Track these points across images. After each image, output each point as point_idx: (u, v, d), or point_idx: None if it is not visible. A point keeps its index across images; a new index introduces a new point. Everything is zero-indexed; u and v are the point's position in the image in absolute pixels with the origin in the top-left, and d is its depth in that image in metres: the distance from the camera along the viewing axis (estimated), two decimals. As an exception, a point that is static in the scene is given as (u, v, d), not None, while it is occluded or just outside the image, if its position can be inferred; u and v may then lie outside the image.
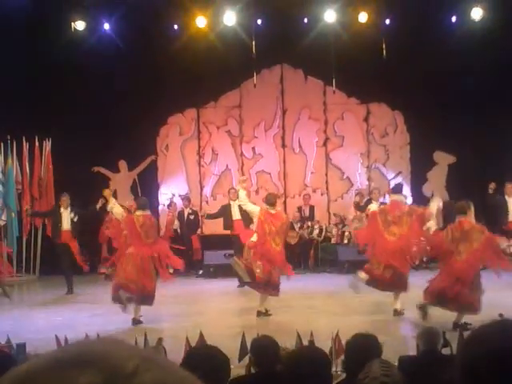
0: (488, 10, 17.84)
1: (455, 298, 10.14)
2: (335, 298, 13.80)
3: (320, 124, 20.23)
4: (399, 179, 19.58)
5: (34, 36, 17.40)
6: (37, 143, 18.30)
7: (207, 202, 20.05)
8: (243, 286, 14.77)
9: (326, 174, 20.20)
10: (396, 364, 5.32)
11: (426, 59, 17.97)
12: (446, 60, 17.79)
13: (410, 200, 16.58)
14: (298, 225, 18.59)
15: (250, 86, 19.95)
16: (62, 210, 15.74)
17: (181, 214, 18.39)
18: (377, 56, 18.38)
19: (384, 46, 18.53)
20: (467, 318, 9.92)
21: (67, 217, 15.70)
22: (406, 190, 18.89)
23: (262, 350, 5.41)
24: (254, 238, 12.12)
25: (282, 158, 20.22)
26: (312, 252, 18.43)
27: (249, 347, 6.16)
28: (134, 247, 11.61)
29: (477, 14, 17.99)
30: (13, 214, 17.73)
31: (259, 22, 18.67)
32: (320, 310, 12.70)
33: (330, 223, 19.44)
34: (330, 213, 19.84)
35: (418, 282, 10.98)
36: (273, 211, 12.24)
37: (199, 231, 19.15)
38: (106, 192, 12.72)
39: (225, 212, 16.96)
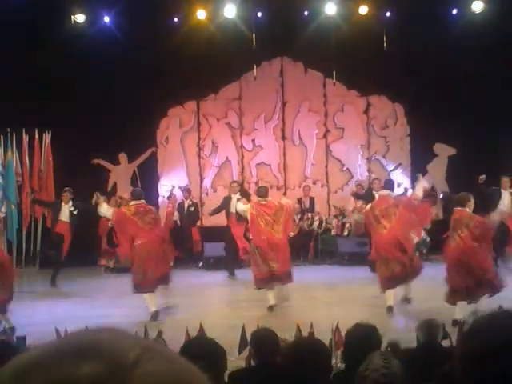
0: (488, 3, 17.82)
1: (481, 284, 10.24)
2: (335, 289, 13.83)
3: (320, 116, 20.23)
4: (399, 171, 19.62)
5: (34, 28, 17.37)
6: (36, 135, 18.30)
7: (207, 194, 20.07)
8: (233, 276, 15.54)
9: (326, 166, 20.20)
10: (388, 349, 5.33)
11: (427, 52, 17.96)
12: (446, 52, 17.79)
13: (410, 192, 16.52)
14: (298, 216, 18.59)
15: (250, 79, 19.95)
16: (62, 204, 15.79)
17: (181, 205, 18.38)
18: (377, 48, 18.37)
19: (385, 39, 18.52)
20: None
21: (67, 210, 15.74)
22: (406, 182, 18.94)
23: (262, 342, 5.43)
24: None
25: (282, 150, 20.22)
26: (312, 244, 18.43)
27: (249, 339, 6.17)
28: (139, 238, 11.64)
29: (477, 6, 17.97)
30: (12, 207, 17.73)
31: (259, 14, 18.66)
32: (320, 301, 12.72)
33: (329, 215, 19.47)
34: (330, 204, 19.86)
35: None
36: (263, 202, 12.25)
37: (199, 223, 19.15)
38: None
39: (225, 204, 17.01)
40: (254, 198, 12.76)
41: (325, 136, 20.24)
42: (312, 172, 20.18)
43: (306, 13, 18.62)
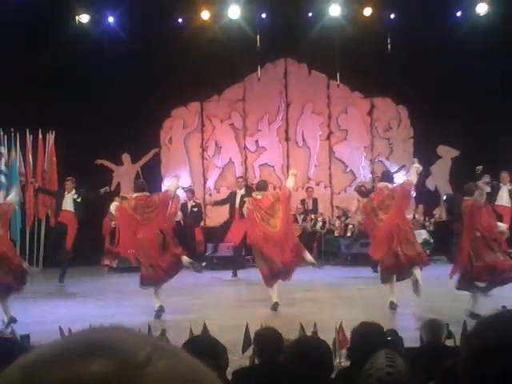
0: (493, 5, 17.82)
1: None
2: (338, 290, 13.83)
3: (324, 118, 20.25)
4: (402, 173, 19.61)
5: (38, 28, 17.40)
6: (40, 135, 18.33)
7: (210, 195, 20.08)
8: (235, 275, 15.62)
9: (330, 168, 20.24)
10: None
11: (431, 54, 17.97)
12: (450, 55, 17.80)
13: (413, 193, 16.52)
14: (302, 217, 18.61)
15: (253, 80, 19.97)
16: (65, 193, 15.79)
17: (184, 206, 18.39)
18: (381, 50, 18.40)
19: (389, 41, 18.54)
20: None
21: (70, 199, 15.70)
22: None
23: (266, 341, 5.43)
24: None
25: (286, 151, 20.24)
26: (315, 244, 18.44)
27: (252, 338, 6.18)
28: (139, 233, 11.63)
29: (482, 8, 17.97)
30: (16, 206, 17.72)
31: (263, 15, 18.69)
32: (323, 302, 12.74)
33: (333, 216, 19.48)
34: (333, 206, 19.88)
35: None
36: (259, 196, 12.15)
37: (202, 223, 19.18)
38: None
39: (231, 199, 17.08)
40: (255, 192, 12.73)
41: (328, 137, 20.27)
42: (315, 173, 20.20)
43: (310, 14, 18.65)
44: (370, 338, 4.62)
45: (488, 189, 11.39)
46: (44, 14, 17.33)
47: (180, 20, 18.62)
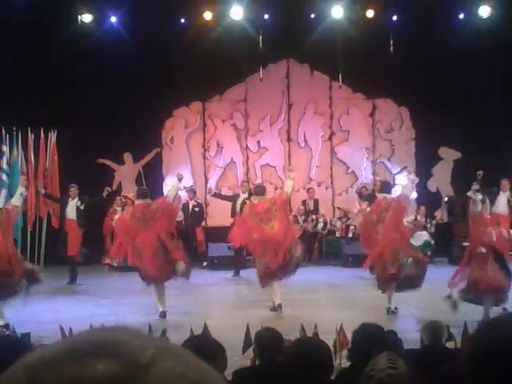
0: (496, 8, 17.81)
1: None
2: (339, 291, 13.83)
3: (325, 118, 20.25)
4: (404, 174, 19.60)
5: (40, 28, 17.41)
6: (42, 134, 18.31)
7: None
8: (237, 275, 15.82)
9: (331, 168, 20.23)
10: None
11: (433, 56, 17.96)
12: (452, 57, 17.79)
13: (414, 195, 16.54)
14: (303, 218, 18.62)
15: (256, 80, 19.95)
16: (69, 200, 15.84)
17: (185, 206, 18.38)
18: (383, 52, 18.38)
19: (391, 42, 18.53)
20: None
21: (73, 206, 15.77)
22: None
23: (266, 341, 5.44)
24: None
25: (287, 151, 20.24)
26: (316, 245, 18.47)
27: (253, 339, 6.18)
28: (139, 237, 11.63)
29: (484, 11, 17.95)
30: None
31: (266, 16, 18.67)
32: (324, 303, 12.73)
33: (334, 217, 19.49)
34: (334, 207, 19.89)
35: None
36: (256, 201, 12.23)
37: (204, 223, 19.18)
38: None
39: (232, 200, 17.09)
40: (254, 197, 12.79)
41: (330, 138, 20.26)
42: (317, 174, 20.20)
43: (312, 16, 18.64)
44: (370, 339, 4.63)
45: (479, 196, 11.33)
46: (46, 15, 17.33)
47: (182, 20, 18.60)
